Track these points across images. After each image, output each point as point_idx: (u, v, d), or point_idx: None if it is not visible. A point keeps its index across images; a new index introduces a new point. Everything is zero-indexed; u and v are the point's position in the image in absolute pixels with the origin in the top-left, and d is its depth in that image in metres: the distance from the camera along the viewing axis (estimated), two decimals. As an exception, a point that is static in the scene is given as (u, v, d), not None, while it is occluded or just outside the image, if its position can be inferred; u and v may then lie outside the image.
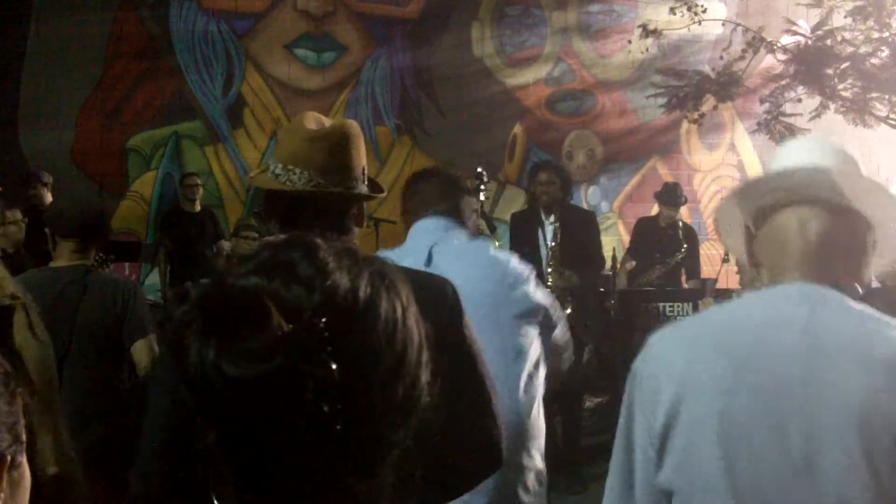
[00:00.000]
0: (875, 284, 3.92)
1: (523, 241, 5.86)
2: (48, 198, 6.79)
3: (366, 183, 1.99)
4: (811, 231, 1.48)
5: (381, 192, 2.03)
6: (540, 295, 2.59)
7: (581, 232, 5.87)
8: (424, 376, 0.87)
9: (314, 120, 1.96)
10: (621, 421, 1.53)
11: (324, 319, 0.79)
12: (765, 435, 1.36)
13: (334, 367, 0.78)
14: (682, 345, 1.49)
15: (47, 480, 2.08)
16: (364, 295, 0.83)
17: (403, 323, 0.85)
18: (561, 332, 2.68)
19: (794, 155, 1.58)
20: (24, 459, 1.02)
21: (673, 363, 1.45)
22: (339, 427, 0.78)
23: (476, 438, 1.77)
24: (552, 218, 5.80)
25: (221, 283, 0.82)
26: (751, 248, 1.58)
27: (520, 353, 2.47)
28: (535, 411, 2.49)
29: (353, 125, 1.98)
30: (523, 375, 2.45)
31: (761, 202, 1.55)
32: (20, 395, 1.01)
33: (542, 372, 2.53)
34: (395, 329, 0.84)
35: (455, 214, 2.57)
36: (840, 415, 1.34)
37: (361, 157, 1.96)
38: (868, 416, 1.32)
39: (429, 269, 2.28)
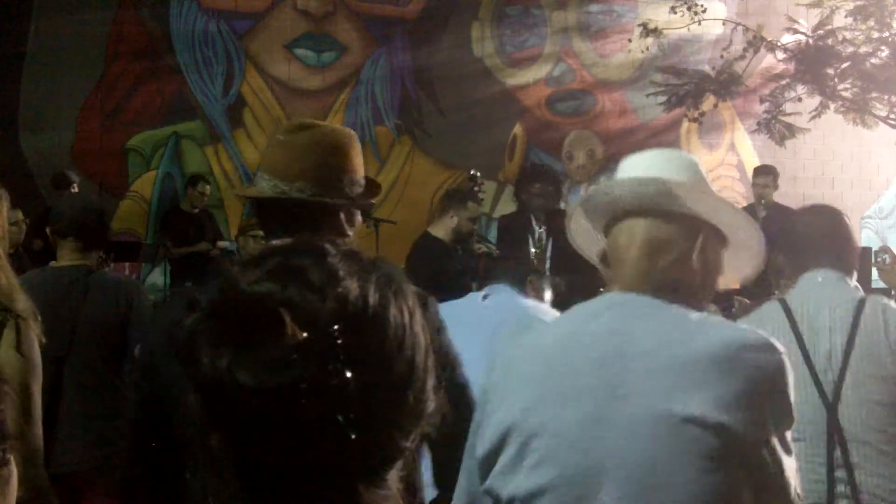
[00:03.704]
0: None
1: (513, 246, 5.77)
2: None
3: (358, 190, 1.90)
4: (640, 240, 1.51)
5: (371, 200, 1.95)
6: None
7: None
8: (431, 382, 0.87)
9: (296, 125, 1.91)
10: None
11: (337, 327, 0.78)
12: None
13: (349, 375, 0.77)
14: (509, 355, 1.59)
15: None
16: (373, 301, 0.82)
17: (411, 328, 0.85)
18: None
19: (633, 167, 1.60)
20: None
21: (495, 370, 1.56)
22: (353, 435, 0.78)
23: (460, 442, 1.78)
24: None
25: (234, 289, 0.80)
26: (603, 256, 1.61)
27: None
28: None
29: (338, 131, 1.92)
30: None
31: (604, 214, 1.59)
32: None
33: None
34: (404, 335, 0.83)
35: None
36: (638, 414, 1.38)
37: (342, 162, 1.87)
38: (669, 415, 1.36)
39: None
